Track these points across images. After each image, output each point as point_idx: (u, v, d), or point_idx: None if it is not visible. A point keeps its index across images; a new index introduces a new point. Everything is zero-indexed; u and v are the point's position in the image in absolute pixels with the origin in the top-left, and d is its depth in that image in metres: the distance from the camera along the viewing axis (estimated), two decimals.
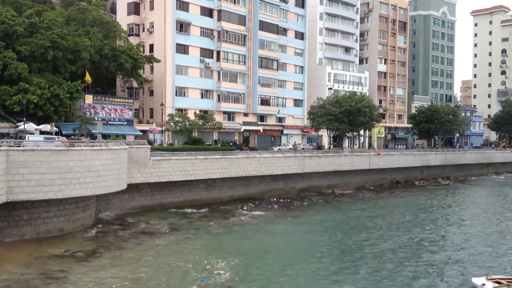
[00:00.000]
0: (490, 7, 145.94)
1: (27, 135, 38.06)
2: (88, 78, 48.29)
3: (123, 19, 66.22)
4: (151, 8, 64.97)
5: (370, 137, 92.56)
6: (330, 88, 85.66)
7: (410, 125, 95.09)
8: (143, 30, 66.11)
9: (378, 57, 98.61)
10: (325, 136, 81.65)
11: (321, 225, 37.44)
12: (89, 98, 53.64)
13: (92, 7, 54.85)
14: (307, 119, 77.18)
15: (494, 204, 51.14)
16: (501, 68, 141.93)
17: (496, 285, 21.74)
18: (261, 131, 75.17)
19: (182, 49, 64.91)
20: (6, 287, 20.78)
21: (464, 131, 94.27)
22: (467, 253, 29.26)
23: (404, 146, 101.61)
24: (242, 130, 72.10)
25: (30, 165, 26.70)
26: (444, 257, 28.24)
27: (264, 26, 73.32)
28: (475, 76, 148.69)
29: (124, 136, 53.38)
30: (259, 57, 72.69)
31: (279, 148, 64.49)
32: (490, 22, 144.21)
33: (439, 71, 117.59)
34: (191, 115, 58.27)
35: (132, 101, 59.92)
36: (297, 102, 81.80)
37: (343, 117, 68.64)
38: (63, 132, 48.40)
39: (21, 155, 26.55)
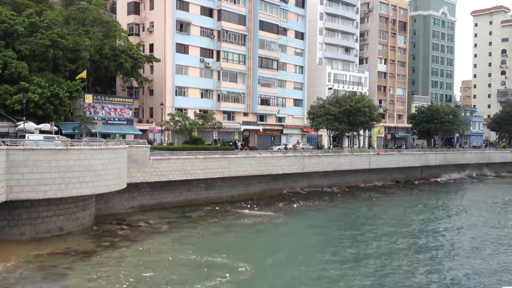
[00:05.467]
0: (490, 7, 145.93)
1: (27, 134, 38.04)
2: (83, 74, 48.03)
3: (123, 18, 66.20)
4: (151, 7, 64.96)
5: (370, 137, 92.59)
6: (330, 88, 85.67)
7: (410, 125, 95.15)
8: (143, 30, 66.09)
9: (378, 57, 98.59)
10: (325, 136, 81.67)
11: (321, 225, 37.45)
12: (89, 98, 53.63)
13: (92, 6, 54.81)
14: (307, 119, 77.21)
15: (495, 204, 51.12)
16: (501, 68, 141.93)
17: None
18: (261, 130, 75.19)
19: (182, 48, 64.90)
20: (5, 285, 20.79)
21: (464, 131, 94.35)
22: (486, 257, 28.30)
23: (404, 146, 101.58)
24: (242, 130, 72.11)
25: (30, 164, 26.70)
26: (463, 262, 27.28)
27: (264, 26, 73.32)
28: (475, 76, 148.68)
29: (123, 135, 53.37)
30: (259, 57, 72.68)
31: (278, 148, 64.51)
32: (490, 22, 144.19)
33: (439, 71, 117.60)
34: (191, 115, 58.24)
35: (132, 100, 59.90)
36: (297, 102, 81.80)
37: (343, 117, 68.69)
38: (63, 132, 48.43)
39: (21, 154, 26.55)
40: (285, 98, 79.36)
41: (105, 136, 48.82)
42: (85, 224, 31.64)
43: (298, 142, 73.68)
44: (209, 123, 57.54)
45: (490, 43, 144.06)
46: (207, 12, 67.86)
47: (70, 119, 53.70)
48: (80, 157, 29.22)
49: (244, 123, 72.09)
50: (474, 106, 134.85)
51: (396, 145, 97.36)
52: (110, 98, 56.97)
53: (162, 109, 59.96)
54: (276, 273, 24.16)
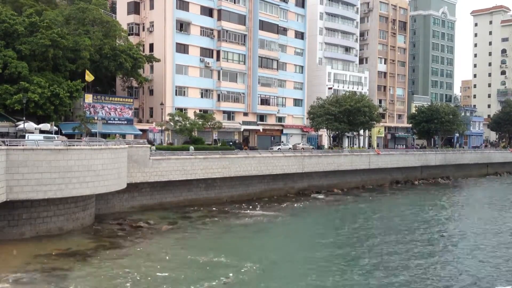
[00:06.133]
0: (490, 7, 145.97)
1: (27, 134, 38.03)
2: (88, 77, 48.24)
3: (123, 18, 66.18)
4: (151, 7, 64.94)
5: (370, 137, 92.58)
6: (330, 88, 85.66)
7: (410, 125, 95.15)
8: (143, 30, 66.07)
9: (378, 57, 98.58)
10: (325, 136, 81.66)
11: (321, 225, 37.45)
12: (89, 97, 53.62)
13: (92, 6, 54.81)
14: (307, 118, 77.19)
15: (495, 204, 51.09)
16: (501, 68, 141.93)
17: None
18: (261, 130, 75.17)
19: (182, 48, 64.89)
20: (5, 286, 20.78)
21: (464, 131, 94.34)
22: (481, 258, 28.37)
23: (404, 146, 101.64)
24: (242, 130, 72.09)
25: (30, 164, 26.68)
26: (458, 262, 27.36)
27: (264, 25, 73.31)
28: (475, 76, 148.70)
29: (123, 135, 53.37)
30: (259, 56, 72.67)
31: (279, 148, 64.49)
32: (490, 22, 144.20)
33: (439, 71, 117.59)
34: (191, 115, 58.28)
35: (132, 100, 59.91)
36: (297, 102, 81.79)
37: (343, 117, 68.67)
38: (63, 132, 48.43)
39: (21, 154, 26.52)
40: (285, 98, 79.36)
41: (105, 136, 48.81)
42: (85, 224, 31.63)
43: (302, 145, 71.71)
44: (209, 123, 57.55)
45: (490, 43, 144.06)
46: (207, 11, 67.85)
47: (70, 119, 53.70)
48: (80, 157, 29.20)
49: (244, 123, 72.07)
50: (474, 106, 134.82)
51: (418, 145, 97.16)
52: (110, 98, 56.96)
53: (162, 109, 59.96)
54: (279, 273, 24.13)
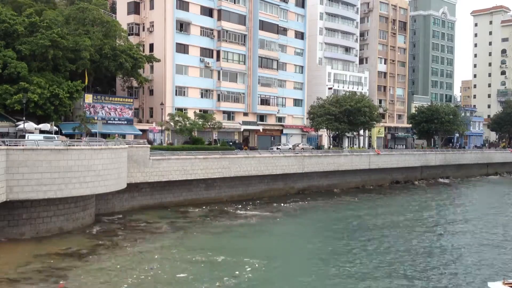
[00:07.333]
0: (490, 7, 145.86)
1: (27, 134, 38.04)
2: (86, 78, 48.22)
3: (123, 18, 66.16)
4: (151, 7, 64.93)
5: (370, 137, 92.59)
6: (330, 88, 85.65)
7: (410, 125, 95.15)
8: (143, 30, 66.06)
9: (378, 57, 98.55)
10: (325, 136, 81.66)
11: (321, 225, 37.47)
12: (89, 98, 53.61)
13: (92, 6, 54.79)
14: (307, 119, 77.20)
15: (495, 203, 51.10)
16: (501, 68, 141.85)
17: None
18: (261, 130, 75.16)
19: (182, 48, 64.88)
20: (5, 285, 20.78)
21: (464, 131, 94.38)
22: (475, 255, 28.60)
23: (404, 146, 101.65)
24: (241, 130, 72.09)
25: (30, 164, 26.70)
26: (452, 260, 27.67)
27: (264, 25, 73.30)
28: (475, 76, 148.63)
29: (123, 135, 53.37)
30: (259, 56, 72.66)
31: (278, 148, 64.47)
32: (490, 22, 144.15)
33: (439, 71, 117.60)
34: (191, 115, 58.26)
35: (132, 100, 59.90)
36: (297, 102, 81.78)
37: (343, 117, 68.71)
38: (63, 132, 48.43)
39: (21, 154, 26.54)
40: (285, 98, 79.34)
41: (105, 136, 48.83)
42: (85, 224, 31.65)
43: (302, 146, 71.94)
44: (209, 123, 57.54)
45: (490, 43, 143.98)
46: (207, 12, 67.84)
47: (70, 119, 53.69)
48: (80, 157, 29.22)
49: (244, 123, 72.06)
50: (474, 106, 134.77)
51: (396, 145, 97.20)
52: (110, 98, 56.95)
53: (162, 109, 59.95)
54: (280, 273, 24.13)
